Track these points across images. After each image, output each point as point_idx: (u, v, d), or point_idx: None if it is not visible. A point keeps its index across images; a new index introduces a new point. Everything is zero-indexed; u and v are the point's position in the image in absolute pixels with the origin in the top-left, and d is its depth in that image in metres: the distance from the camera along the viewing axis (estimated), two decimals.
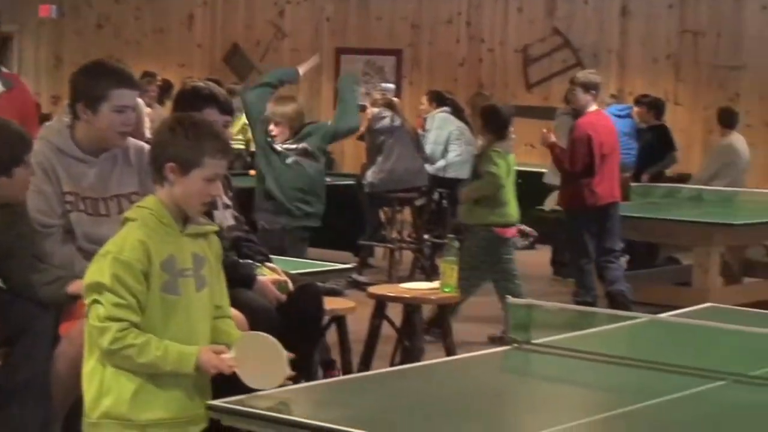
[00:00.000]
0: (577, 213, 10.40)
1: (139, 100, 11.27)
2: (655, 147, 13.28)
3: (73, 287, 4.93)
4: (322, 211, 9.05)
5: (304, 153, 8.73)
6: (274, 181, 8.69)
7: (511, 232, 9.79)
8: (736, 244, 11.79)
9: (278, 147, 8.70)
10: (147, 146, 5.58)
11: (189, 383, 4.30)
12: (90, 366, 4.24)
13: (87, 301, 4.17)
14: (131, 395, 4.21)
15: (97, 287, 4.12)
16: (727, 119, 13.44)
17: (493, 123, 9.92)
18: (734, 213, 11.80)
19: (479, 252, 9.48)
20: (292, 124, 8.59)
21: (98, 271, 4.16)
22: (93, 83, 5.36)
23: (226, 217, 5.87)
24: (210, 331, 4.46)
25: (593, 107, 10.50)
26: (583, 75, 10.84)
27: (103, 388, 4.21)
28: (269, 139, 8.74)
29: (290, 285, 5.82)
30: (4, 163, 4.97)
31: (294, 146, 8.72)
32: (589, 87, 10.44)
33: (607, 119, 10.84)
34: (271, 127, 8.73)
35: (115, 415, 4.21)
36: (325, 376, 6.09)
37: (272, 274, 5.81)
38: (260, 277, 5.72)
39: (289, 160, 8.71)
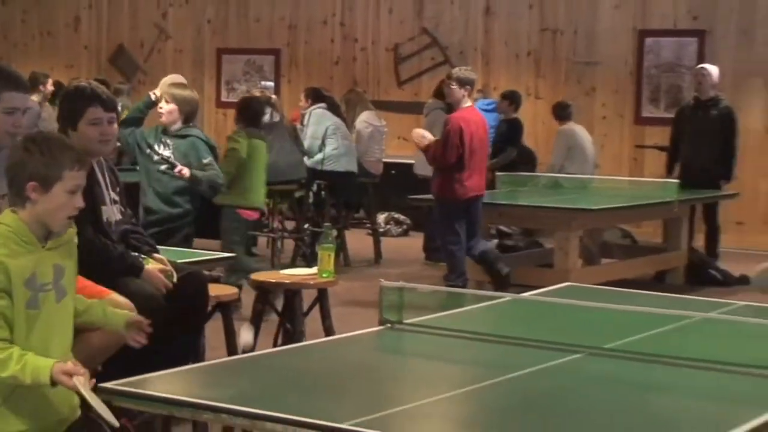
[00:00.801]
0: (448, 203, 10.48)
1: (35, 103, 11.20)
2: (506, 139, 13.38)
3: None
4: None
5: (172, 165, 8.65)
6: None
7: (253, 215, 9.94)
8: (593, 228, 12.00)
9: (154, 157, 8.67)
10: None
11: (51, 391, 4.22)
12: None
13: None
14: None
15: None
16: (561, 112, 13.56)
17: (244, 113, 10.33)
18: (591, 199, 11.95)
19: (231, 231, 9.75)
20: (183, 109, 8.51)
21: None
22: None
23: (114, 212, 5.85)
24: (70, 338, 4.46)
25: (467, 103, 10.60)
26: (459, 71, 10.88)
27: None
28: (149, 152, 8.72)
29: (174, 275, 5.84)
30: None
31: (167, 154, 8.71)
32: (465, 83, 10.52)
33: (479, 115, 10.91)
34: (162, 104, 8.64)
35: None
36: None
37: (158, 264, 5.82)
38: (147, 267, 5.73)
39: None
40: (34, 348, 4.15)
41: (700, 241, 12.90)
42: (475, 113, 10.78)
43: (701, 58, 15.22)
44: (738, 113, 13.05)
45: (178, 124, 8.67)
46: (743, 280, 12.36)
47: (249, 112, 10.21)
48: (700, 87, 12.71)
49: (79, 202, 4.29)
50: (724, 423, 3.92)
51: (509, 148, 13.49)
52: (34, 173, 4.09)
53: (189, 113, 8.53)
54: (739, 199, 14.07)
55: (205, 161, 8.55)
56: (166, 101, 8.63)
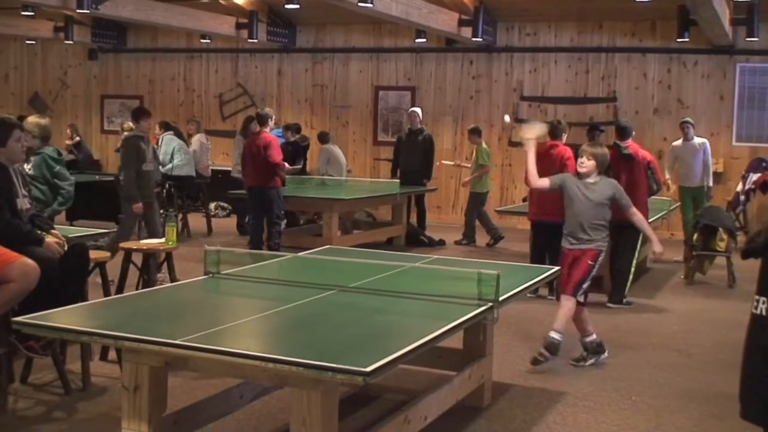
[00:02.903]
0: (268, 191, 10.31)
1: None
2: (293, 156, 13.25)
3: None
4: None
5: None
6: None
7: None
8: (347, 211, 12.07)
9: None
10: None
11: None
12: None
13: None
14: None
15: None
16: (323, 137, 13.47)
17: None
18: (345, 192, 12.03)
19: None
20: (34, 134, 7.71)
21: None
22: None
23: (25, 203, 5.63)
24: None
25: (265, 129, 10.45)
26: (260, 109, 10.91)
27: None
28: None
29: (65, 245, 5.65)
30: None
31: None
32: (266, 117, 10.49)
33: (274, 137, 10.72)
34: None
35: None
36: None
37: (54, 238, 5.63)
38: (47, 239, 5.53)
39: None
40: None
41: (413, 218, 13.09)
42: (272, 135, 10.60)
43: (412, 104, 15.50)
44: (435, 138, 13.34)
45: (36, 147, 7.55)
46: (440, 243, 12.61)
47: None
48: (412, 121, 12.85)
49: None
50: (421, 330, 4.00)
51: (299, 159, 13.46)
52: None
53: (41, 136, 7.77)
54: (438, 192, 14.42)
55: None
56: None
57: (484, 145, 12.79)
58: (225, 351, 3.59)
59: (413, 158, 12.68)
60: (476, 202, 12.71)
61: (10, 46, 18.83)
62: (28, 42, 18.03)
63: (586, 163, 6.50)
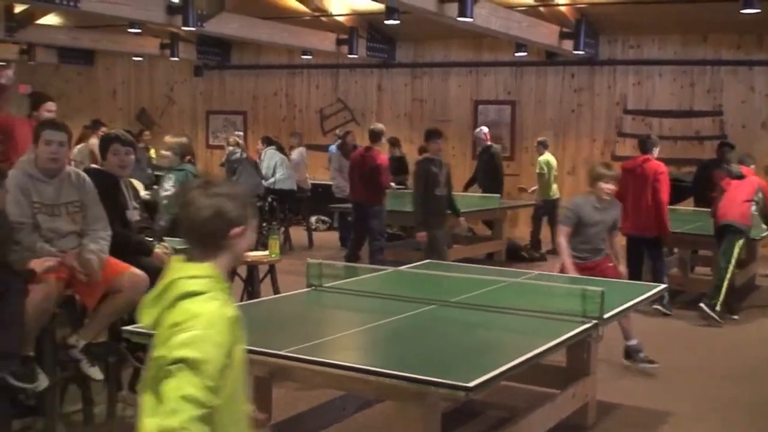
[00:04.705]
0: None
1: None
2: (396, 171, 13.32)
3: (33, 264, 4.86)
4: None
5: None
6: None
7: None
8: (448, 225, 12.00)
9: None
10: (82, 172, 5.51)
11: None
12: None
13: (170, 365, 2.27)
14: None
15: (189, 362, 2.26)
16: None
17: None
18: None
19: None
20: (175, 151, 8.12)
21: (190, 344, 2.28)
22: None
23: (134, 215, 5.80)
24: None
25: (376, 146, 10.55)
26: (373, 126, 10.96)
27: None
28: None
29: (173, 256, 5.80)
30: None
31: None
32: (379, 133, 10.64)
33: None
34: (163, 151, 8.31)
35: None
36: None
37: (162, 248, 5.79)
38: (155, 249, 5.68)
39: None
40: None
41: (516, 234, 13.01)
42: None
43: (513, 118, 15.41)
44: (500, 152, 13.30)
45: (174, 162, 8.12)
46: (542, 258, 12.50)
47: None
48: (478, 140, 13.43)
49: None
50: (524, 346, 3.98)
51: (403, 176, 13.58)
52: (238, 217, 2.48)
53: (180, 152, 8.11)
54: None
55: None
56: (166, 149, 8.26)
57: (545, 155, 13.12)
58: (328, 363, 3.64)
59: (483, 176, 13.16)
60: (545, 209, 13.05)
61: (118, 62, 19.43)
62: (135, 58, 18.56)
63: (612, 189, 6.65)
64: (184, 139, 8.03)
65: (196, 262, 2.46)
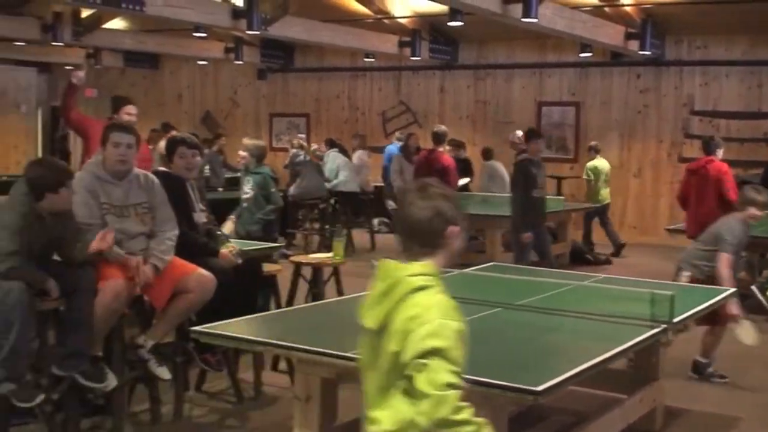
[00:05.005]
0: None
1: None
2: (461, 172, 13.30)
3: (92, 246, 4.93)
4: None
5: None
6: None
7: None
8: (509, 228, 11.92)
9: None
10: (150, 174, 5.58)
11: None
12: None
13: (421, 358, 2.45)
14: None
15: (439, 351, 2.45)
16: (486, 154, 13.44)
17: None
18: (508, 209, 11.89)
19: None
20: (252, 153, 8.25)
21: (435, 334, 2.46)
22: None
23: (201, 217, 5.87)
24: None
25: (440, 148, 10.60)
26: (437, 127, 10.94)
27: None
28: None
29: (239, 257, 5.85)
30: (52, 186, 4.90)
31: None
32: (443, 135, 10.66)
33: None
34: (241, 152, 8.47)
35: None
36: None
37: (229, 247, 5.85)
38: (222, 250, 5.74)
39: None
40: None
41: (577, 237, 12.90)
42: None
43: (577, 120, 15.27)
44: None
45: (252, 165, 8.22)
46: (607, 261, 12.38)
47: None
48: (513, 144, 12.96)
49: None
50: (591, 351, 3.93)
51: (464, 176, 13.50)
52: (455, 217, 2.64)
53: (257, 155, 8.24)
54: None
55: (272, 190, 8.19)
56: (244, 150, 8.31)
57: (595, 161, 13.11)
58: None
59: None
60: (595, 212, 12.99)
61: (183, 66, 19.69)
62: (200, 62, 18.80)
63: (760, 216, 6.52)
64: (261, 142, 8.16)
65: (416, 261, 2.63)
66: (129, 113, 7.39)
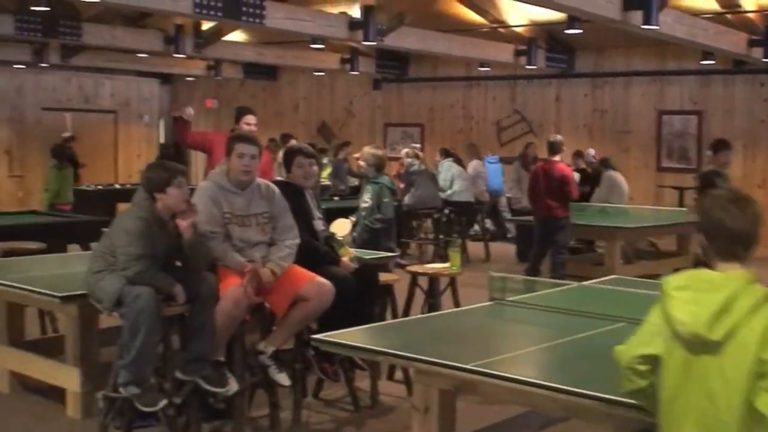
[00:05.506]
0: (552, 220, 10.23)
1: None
2: (581, 181, 13.10)
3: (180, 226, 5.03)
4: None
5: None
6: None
7: None
8: (629, 239, 11.71)
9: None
10: (272, 184, 5.68)
11: None
12: None
13: None
14: None
15: None
16: (606, 164, 13.20)
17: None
18: (627, 220, 11.70)
19: None
20: (369, 163, 8.27)
21: None
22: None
23: (320, 225, 5.94)
24: None
25: (556, 158, 10.41)
26: (552, 137, 10.78)
27: None
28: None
29: (357, 263, 5.91)
30: (159, 186, 5.03)
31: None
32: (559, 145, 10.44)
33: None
34: (360, 161, 8.52)
35: None
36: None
37: (348, 254, 5.90)
38: (342, 258, 5.81)
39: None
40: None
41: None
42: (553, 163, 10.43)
43: (699, 129, 14.88)
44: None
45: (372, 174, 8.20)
46: None
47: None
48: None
49: None
50: None
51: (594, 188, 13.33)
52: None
53: (375, 165, 8.22)
54: None
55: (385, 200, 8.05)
56: (362, 159, 8.43)
57: None
58: (516, 379, 3.59)
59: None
60: None
61: (300, 77, 19.98)
62: (316, 73, 19.05)
63: None
64: (379, 152, 8.19)
65: (737, 268, 2.78)
66: (248, 123, 7.55)
